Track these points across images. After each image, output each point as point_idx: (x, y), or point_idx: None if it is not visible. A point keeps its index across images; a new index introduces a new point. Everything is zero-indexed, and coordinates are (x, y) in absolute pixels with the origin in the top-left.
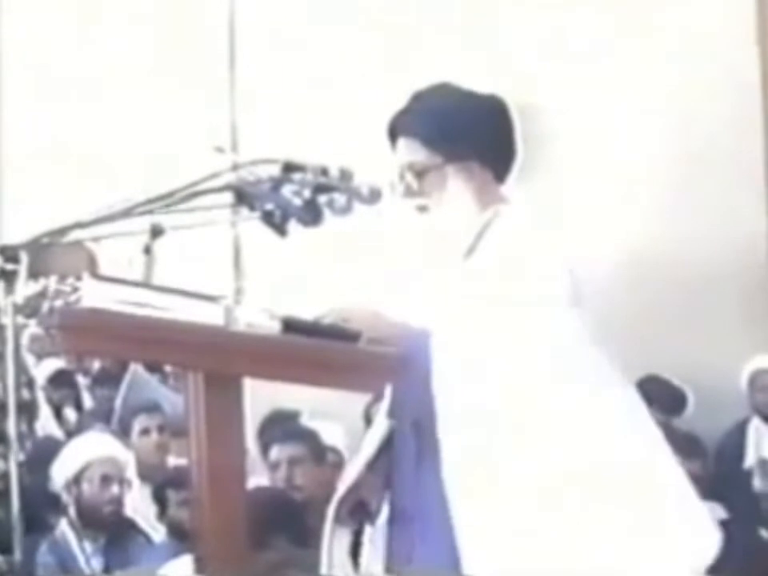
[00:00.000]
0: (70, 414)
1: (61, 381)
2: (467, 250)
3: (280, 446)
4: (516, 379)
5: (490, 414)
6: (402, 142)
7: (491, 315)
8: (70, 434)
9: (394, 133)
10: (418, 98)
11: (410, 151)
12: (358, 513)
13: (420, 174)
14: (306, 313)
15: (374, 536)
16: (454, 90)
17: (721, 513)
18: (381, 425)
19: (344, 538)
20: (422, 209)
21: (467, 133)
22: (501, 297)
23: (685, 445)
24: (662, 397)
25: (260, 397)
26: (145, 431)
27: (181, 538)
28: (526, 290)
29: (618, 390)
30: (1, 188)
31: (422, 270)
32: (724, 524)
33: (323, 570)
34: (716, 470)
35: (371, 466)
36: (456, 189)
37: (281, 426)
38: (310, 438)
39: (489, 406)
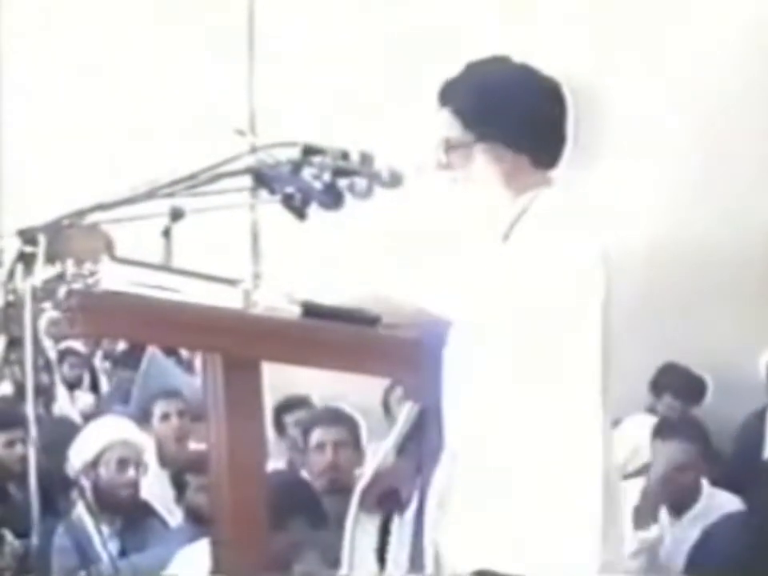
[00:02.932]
0: (85, 397)
1: (75, 363)
2: (502, 238)
3: (326, 428)
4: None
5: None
6: (444, 112)
7: (516, 304)
8: (87, 417)
9: (441, 100)
10: (469, 69)
11: (447, 125)
12: (387, 501)
13: (450, 149)
14: (325, 298)
15: (401, 527)
16: (507, 65)
17: (737, 504)
18: (410, 408)
19: (370, 527)
20: (454, 180)
21: (500, 115)
22: (530, 285)
23: (684, 428)
24: (680, 385)
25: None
26: (165, 416)
27: (198, 522)
28: (557, 281)
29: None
30: (1, 172)
31: (448, 255)
32: (742, 515)
33: (344, 561)
34: (734, 460)
35: (400, 450)
36: (481, 169)
37: (323, 409)
38: (350, 422)
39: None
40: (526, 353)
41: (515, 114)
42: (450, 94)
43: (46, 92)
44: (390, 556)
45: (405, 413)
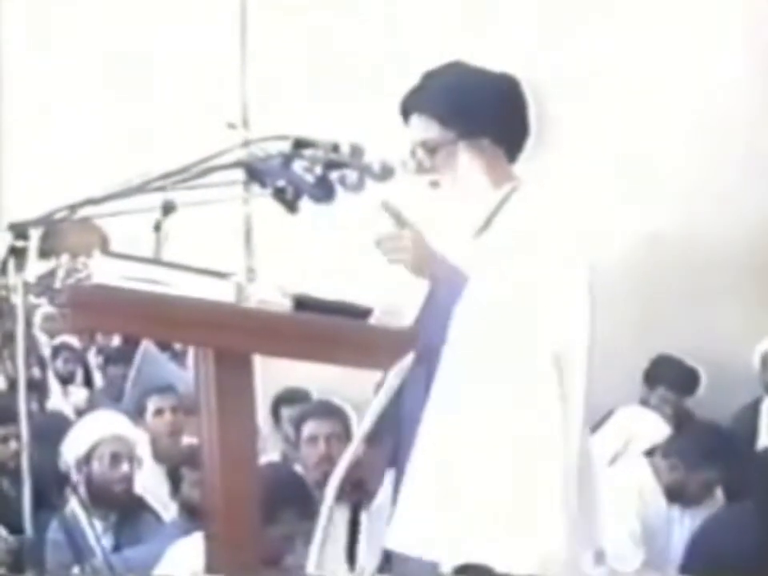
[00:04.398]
0: (79, 392)
1: (69, 358)
2: (481, 227)
3: (318, 421)
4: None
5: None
6: (414, 119)
7: (502, 292)
8: (81, 412)
9: (406, 111)
10: (430, 75)
11: (423, 128)
12: (355, 491)
13: (432, 150)
14: (317, 291)
15: (370, 519)
16: (466, 68)
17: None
18: (381, 399)
19: (339, 518)
20: (434, 184)
21: (479, 110)
22: (512, 274)
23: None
24: (674, 377)
25: (269, 375)
26: (158, 412)
27: (193, 516)
28: (540, 269)
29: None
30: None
31: (437, 243)
32: (736, 507)
33: (312, 555)
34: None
35: (370, 441)
36: (467, 165)
37: (315, 402)
38: (342, 415)
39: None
40: (498, 338)
41: (490, 107)
42: (418, 101)
43: (40, 86)
44: (361, 547)
45: (377, 402)
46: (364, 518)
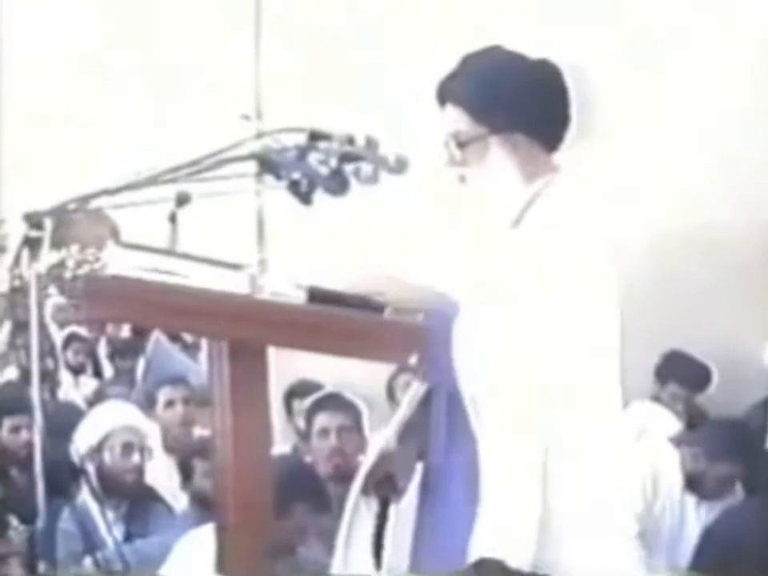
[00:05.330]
0: (90, 382)
1: (80, 349)
2: (513, 223)
3: (329, 414)
4: (536, 356)
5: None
6: (449, 108)
7: (530, 292)
8: (91, 403)
9: (441, 98)
10: (467, 63)
11: (455, 120)
12: (384, 487)
13: (463, 144)
14: (330, 283)
15: (398, 516)
16: (504, 54)
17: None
18: (413, 394)
19: (368, 513)
20: (462, 179)
21: (513, 104)
22: (541, 274)
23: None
24: (685, 373)
25: (281, 368)
26: (170, 403)
27: (203, 507)
28: (567, 266)
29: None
30: (2, 157)
31: (459, 241)
32: (751, 502)
33: (339, 547)
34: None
35: (402, 436)
36: (498, 161)
37: (325, 395)
38: (353, 408)
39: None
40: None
41: (526, 100)
42: (451, 90)
43: (49, 75)
44: (387, 542)
45: (407, 398)
46: (392, 513)
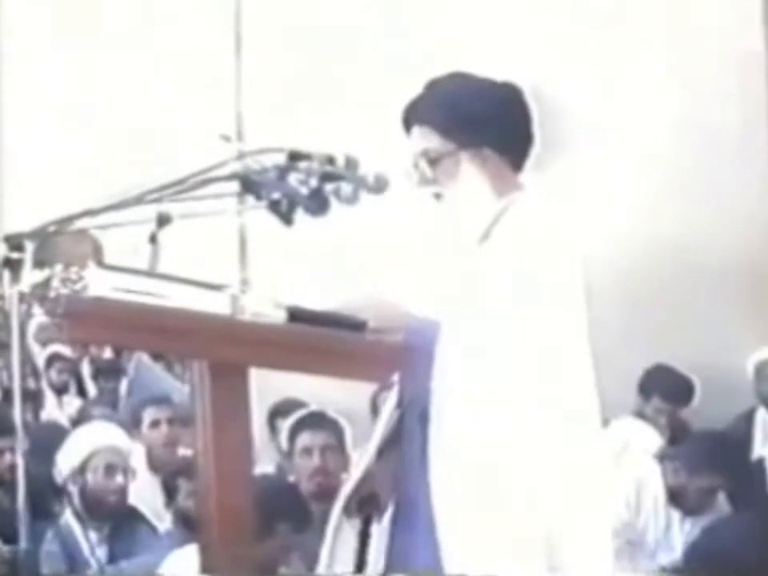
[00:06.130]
0: (71, 401)
1: (63, 368)
2: (481, 237)
3: (312, 432)
4: (516, 374)
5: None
6: (416, 130)
7: (500, 305)
8: (75, 423)
9: (408, 121)
10: (432, 86)
11: (424, 139)
12: (366, 505)
13: (434, 161)
14: (311, 303)
15: (380, 532)
16: (468, 77)
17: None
18: (390, 413)
19: (351, 531)
20: (438, 196)
21: (481, 120)
22: (511, 286)
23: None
24: (669, 387)
25: (265, 387)
26: (154, 423)
27: (187, 527)
28: (537, 280)
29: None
30: (2, 178)
31: (433, 258)
32: (735, 516)
33: (322, 566)
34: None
35: (381, 455)
36: (470, 176)
37: (308, 413)
38: (336, 427)
39: (486, 398)
40: (512, 349)
41: (491, 116)
42: (418, 112)
43: (38, 99)
44: (371, 559)
45: (384, 417)
46: (375, 531)
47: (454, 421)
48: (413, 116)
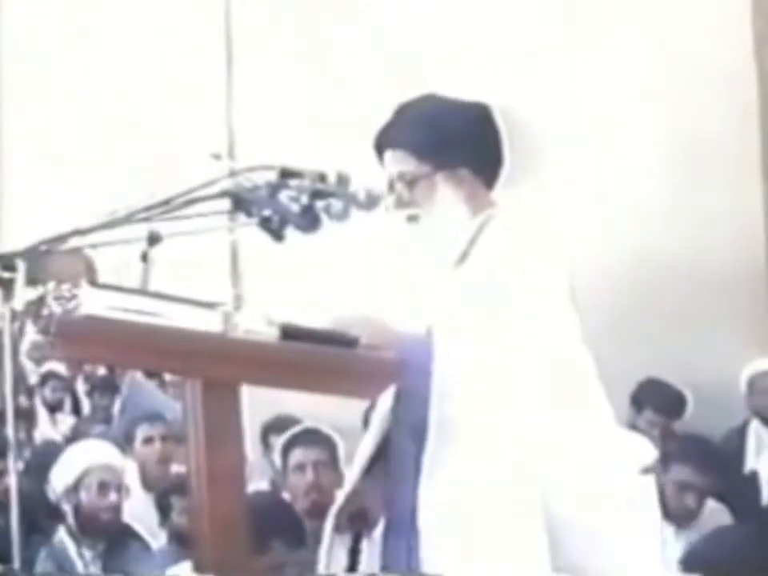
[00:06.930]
0: (65, 419)
1: (57, 386)
2: (461, 256)
3: (305, 449)
4: (508, 387)
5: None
6: (389, 154)
7: (486, 322)
8: (68, 440)
9: (380, 147)
10: (403, 110)
11: (399, 162)
12: (356, 520)
13: (410, 183)
14: (304, 320)
15: (371, 547)
16: (438, 99)
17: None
18: (376, 429)
19: (342, 547)
20: (413, 218)
21: (455, 140)
22: (495, 303)
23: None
24: (661, 399)
25: (258, 403)
26: (148, 440)
27: (181, 544)
28: (522, 295)
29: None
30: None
31: (418, 276)
32: (728, 527)
33: None
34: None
35: (369, 471)
36: (446, 196)
37: (301, 430)
38: (329, 442)
39: (480, 415)
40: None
41: (465, 136)
42: (391, 136)
43: (33, 119)
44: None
45: (373, 433)
46: (365, 546)
47: (463, 433)
48: (385, 140)
